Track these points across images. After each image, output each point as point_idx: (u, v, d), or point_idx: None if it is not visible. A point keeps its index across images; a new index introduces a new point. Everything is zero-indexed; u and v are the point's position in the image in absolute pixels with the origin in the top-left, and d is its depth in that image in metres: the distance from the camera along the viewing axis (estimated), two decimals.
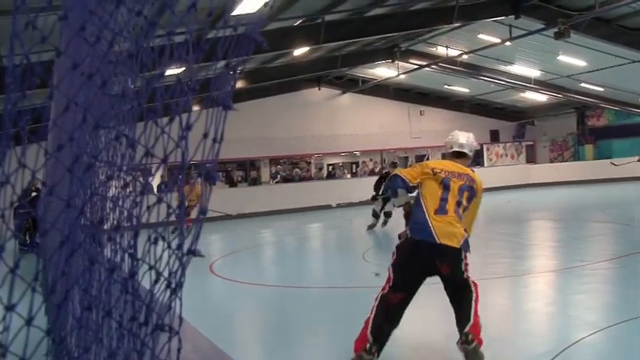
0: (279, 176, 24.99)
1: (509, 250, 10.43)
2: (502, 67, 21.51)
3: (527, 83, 22.79)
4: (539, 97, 26.37)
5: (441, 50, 19.85)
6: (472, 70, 21.42)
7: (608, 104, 25.51)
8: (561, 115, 28.77)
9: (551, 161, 28.40)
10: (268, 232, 17.13)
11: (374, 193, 14.39)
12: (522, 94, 26.06)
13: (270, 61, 18.79)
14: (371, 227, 14.24)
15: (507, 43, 17.13)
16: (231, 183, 23.90)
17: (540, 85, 23.26)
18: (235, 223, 18.69)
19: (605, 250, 9.73)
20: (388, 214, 14.17)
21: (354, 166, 27.57)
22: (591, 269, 7.90)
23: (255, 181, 24.61)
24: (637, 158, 19.16)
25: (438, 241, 4.33)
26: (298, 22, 14.67)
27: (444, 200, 4.50)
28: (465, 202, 4.60)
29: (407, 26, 15.66)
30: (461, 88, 25.61)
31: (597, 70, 20.27)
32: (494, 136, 29.26)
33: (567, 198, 20.84)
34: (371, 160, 27.21)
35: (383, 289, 4.44)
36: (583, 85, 23.04)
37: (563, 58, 19.46)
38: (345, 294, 7.56)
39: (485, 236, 11.63)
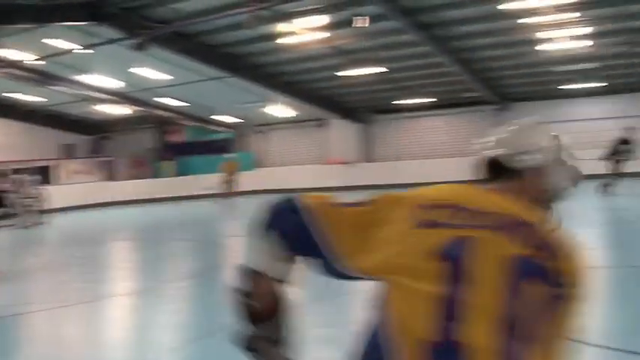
0: None
1: (85, 274, 9.40)
2: (79, 77, 19.56)
3: (106, 95, 21.61)
4: (119, 111, 25.18)
5: (6, 53, 16.81)
6: (44, 77, 19.39)
7: (189, 120, 25.99)
8: (141, 129, 28.30)
9: (131, 178, 27.80)
10: None
11: None
12: (99, 107, 24.60)
13: None
14: None
15: (85, 51, 16.03)
16: None
17: (121, 97, 22.39)
18: None
19: (184, 268, 9.57)
20: None
21: None
22: (169, 289, 7.81)
23: None
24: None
25: None
26: None
27: (449, 310, 1.29)
28: (529, 315, 1.31)
29: None
30: (32, 97, 22.90)
31: (179, 84, 20.20)
32: (70, 151, 27.48)
33: (148, 216, 20.22)
34: None
35: None
36: (164, 99, 22.89)
37: (144, 71, 18.65)
38: None
39: (60, 260, 11.09)
